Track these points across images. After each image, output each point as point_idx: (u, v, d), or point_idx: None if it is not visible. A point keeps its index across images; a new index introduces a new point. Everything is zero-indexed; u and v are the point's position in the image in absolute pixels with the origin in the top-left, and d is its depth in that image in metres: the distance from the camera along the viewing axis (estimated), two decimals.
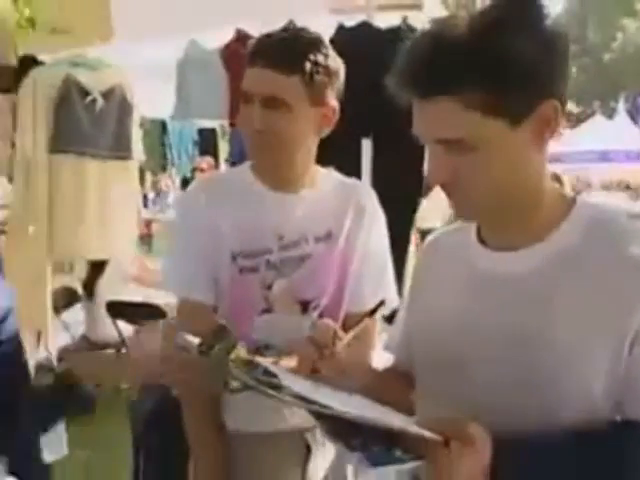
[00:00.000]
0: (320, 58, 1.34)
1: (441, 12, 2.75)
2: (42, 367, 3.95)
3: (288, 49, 1.32)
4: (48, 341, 4.12)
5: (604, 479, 0.89)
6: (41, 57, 3.41)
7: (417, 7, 2.53)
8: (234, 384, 1.09)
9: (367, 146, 2.60)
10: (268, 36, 1.37)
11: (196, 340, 0.97)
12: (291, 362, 1.14)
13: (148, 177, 9.43)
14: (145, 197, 8.58)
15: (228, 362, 0.91)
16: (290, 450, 1.47)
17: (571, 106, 23.47)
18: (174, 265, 1.47)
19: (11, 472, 1.19)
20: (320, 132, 1.41)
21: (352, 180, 1.56)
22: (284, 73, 1.31)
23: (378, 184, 2.52)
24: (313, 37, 1.37)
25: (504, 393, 0.95)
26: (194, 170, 6.73)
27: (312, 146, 1.43)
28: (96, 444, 3.05)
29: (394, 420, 0.85)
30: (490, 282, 1.00)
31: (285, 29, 1.40)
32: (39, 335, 4.06)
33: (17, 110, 3.12)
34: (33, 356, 3.50)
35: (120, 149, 3.55)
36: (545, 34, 0.90)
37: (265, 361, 0.97)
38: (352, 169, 2.25)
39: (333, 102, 1.38)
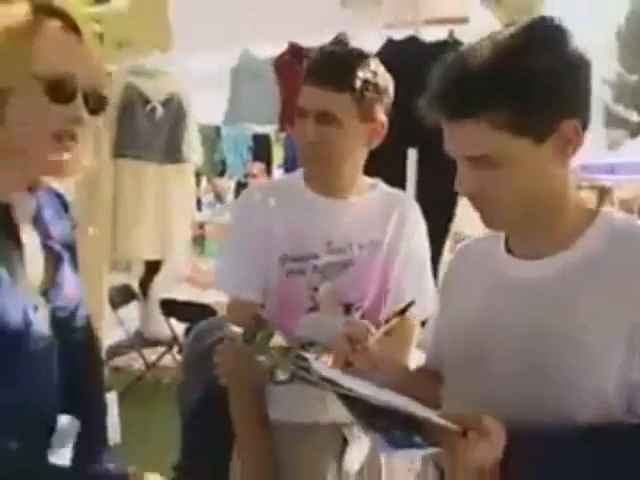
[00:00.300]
0: (369, 76, 1.41)
1: (489, 24, 2.78)
2: None
3: (339, 68, 1.40)
4: (104, 336, 4.31)
5: (617, 475, 0.94)
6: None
7: (464, 21, 2.57)
8: (280, 377, 1.19)
9: (412, 155, 2.67)
10: (321, 53, 1.46)
11: (240, 330, 1.07)
12: (331, 358, 1.23)
13: (203, 181, 9.67)
14: (199, 201, 8.80)
15: (269, 348, 1.01)
16: (328, 442, 1.54)
17: (632, 115, 22.76)
18: (227, 266, 1.57)
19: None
20: (369, 145, 1.49)
21: (396, 191, 1.63)
22: (335, 91, 1.39)
23: (421, 192, 2.59)
24: (363, 55, 1.45)
25: (524, 390, 1.00)
26: (247, 175, 6.87)
27: (360, 158, 1.51)
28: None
29: (418, 409, 0.92)
30: (516, 287, 1.06)
31: (336, 43, 1.48)
32: None
33: None
34: None
35: (176, 153, 3.71)
36: (566, 57, 0.96)
37: (306, 354, 1.06)
38: (397, 177, 2.33)
39: (382, 117, 1.46)
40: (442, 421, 0.89)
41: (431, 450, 0.91)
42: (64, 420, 1.20)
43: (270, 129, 6.12)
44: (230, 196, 8.95)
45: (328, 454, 1.55)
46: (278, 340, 1.04)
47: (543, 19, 0.98)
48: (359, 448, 1.58)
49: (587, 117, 0.99)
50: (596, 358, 0.96)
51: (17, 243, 1.10)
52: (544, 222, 1.04)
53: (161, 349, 4.64)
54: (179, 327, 4.51)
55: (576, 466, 0.93)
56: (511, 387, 1.02)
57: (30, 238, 1.13)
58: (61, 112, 1.02)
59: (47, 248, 1.16)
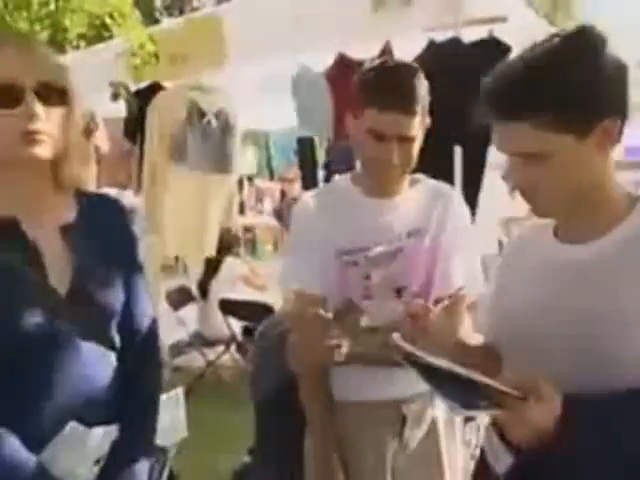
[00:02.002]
0: (425, 91, 1.59)
1: (527, 22, 2.85)
2: None
3: (409, 94, 1.55)
4: (164, 337, 4.52)
5: None
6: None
7: (502, 20, 2.61)
8: (338, 358, 1.34)
9: (458, 152, 2.80)
10: (381, 74, 1.59)
11: (330, 315, 1.22)
12: None
13: (245, 185, 9.90)
14: (242, 204, 9.00)
15: (360, 329, 1.16)
16: (388, 419, 1.67)
17: None
18: (290, 266, 1.73)
19: None
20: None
21: (438, 182, 1.78)
22: (411, 115, 1.54)
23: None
24: (417, 71, 1.60)
25: (573, 365, 1.09)
26: (284, 180, 7.01)
27: None
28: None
29: (480, 377, 1.02)
30: (563, 270, 1.17)
31: (385, 53, 1.59)
32: None
33: (145, 129, 3.51)
34: None
35: (222, 165, 3.89)
36: (602, 64, 1.06)
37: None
38: (445, 173, 2.46)
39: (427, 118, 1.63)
40: (504, 387, 1.00)
41: (492, 411, 1.03)
42: (98, 432, 1.21)
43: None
44: (271, 200, 9.07)
45: (388, 430, 1.67)
46: (365, 321, 1.19)
47: (582, 28, 1.09)
48: (418, 425, 1.69)
49: (625, 113, 1.10)
50: (632, 329, 1.04)
51: (35, 252, 1.18)
52: (588, 209, 1.14)
53: (220, 348, 4.80)
54: (237, 327, 4.70)
55: (625, 424, 1.02)
56: (562, 363, 1.10)
57: (52, 246, 1.20)
58: (13, 114, 1.14)
59: (75, 254, 1.22)
